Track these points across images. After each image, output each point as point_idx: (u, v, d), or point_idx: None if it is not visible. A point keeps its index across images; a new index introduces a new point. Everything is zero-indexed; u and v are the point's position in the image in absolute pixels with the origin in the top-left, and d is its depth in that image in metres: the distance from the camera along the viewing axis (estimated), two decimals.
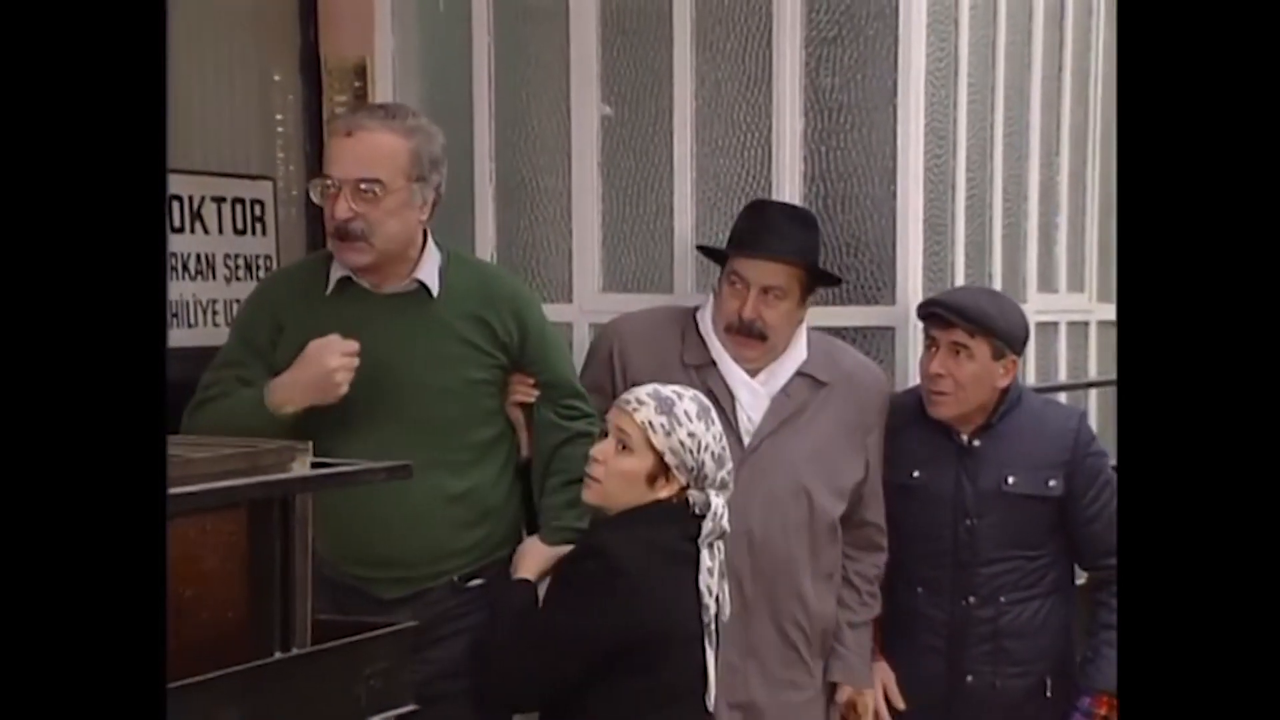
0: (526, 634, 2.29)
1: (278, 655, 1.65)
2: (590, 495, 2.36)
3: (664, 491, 2.33)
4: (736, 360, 2.77)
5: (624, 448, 2.32)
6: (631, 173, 3.42)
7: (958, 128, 3.27)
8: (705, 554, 2.33)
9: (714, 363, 2.78)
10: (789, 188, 3.23)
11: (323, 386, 2.39)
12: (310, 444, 1.78)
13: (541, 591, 2.45)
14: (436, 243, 2.60)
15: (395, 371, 2.50)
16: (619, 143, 3.43)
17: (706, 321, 2.82)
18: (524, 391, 2.61)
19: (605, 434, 2.37)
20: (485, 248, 3.55)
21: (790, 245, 2.75)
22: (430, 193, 2.52)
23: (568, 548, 2.45)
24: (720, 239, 3.24)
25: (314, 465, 1.74)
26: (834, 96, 3.21)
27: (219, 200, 3.46)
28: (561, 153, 3.47)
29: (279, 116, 3.57)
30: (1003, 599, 2.92)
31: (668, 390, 2.36)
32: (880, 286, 3.20)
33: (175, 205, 3.40)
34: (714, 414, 2.38)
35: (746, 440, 2.76)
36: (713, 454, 2.33)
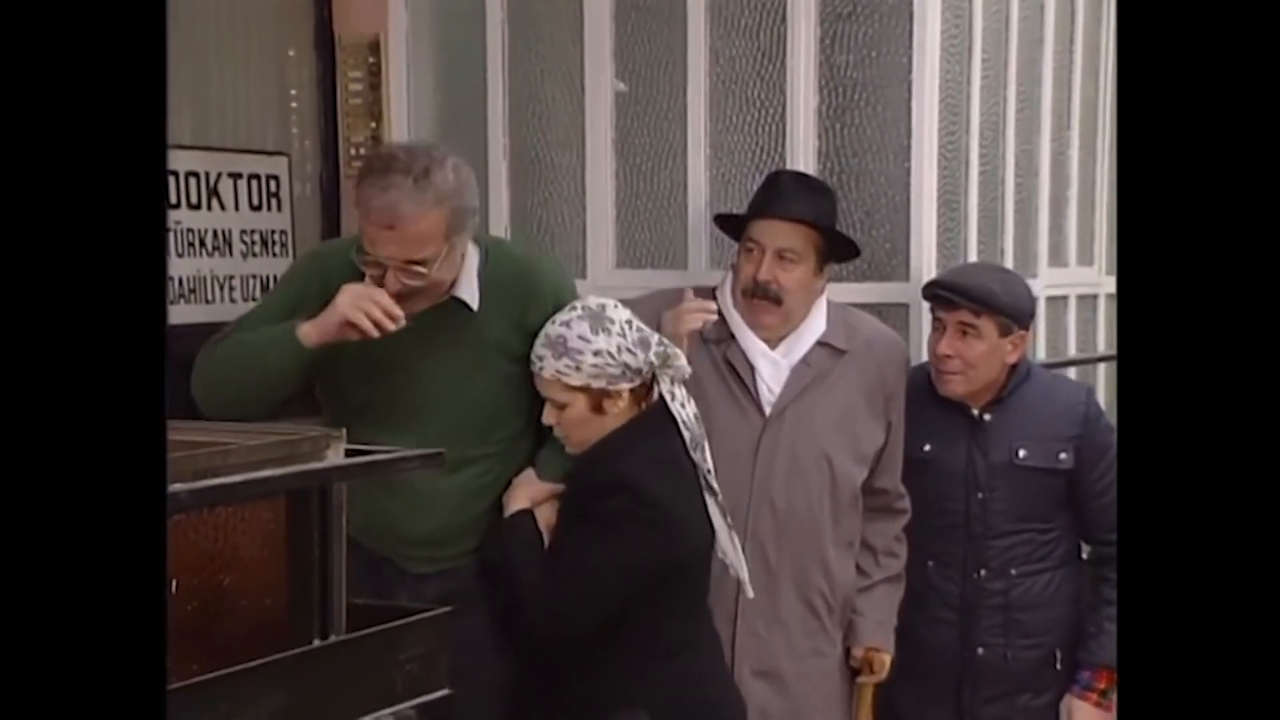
0: (564, 573, 2.29)
1: (316, 642, 1.64)
2: (572, 448, 2.41)
3: (619, 404, 2.35)
4: (754, 329, 2.76)
5: (557, 404, 2.36)
6: (645, 149, 3.39)
7: (971, 104, 3.24)
8: (703, 463, 2.36)
9: (733, 336, 2.77)
10: (803, 164, 3.20)
11: (355, 324, 2.34)
12: (344, 431, 1.76)
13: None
14: (476, 239, 2.56)
15: (430, 382, 2.51)
16: (633, 119, 3.39)
17: (725, 297, 2.80)
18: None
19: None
20: (499, 223, 3.53)
21: (803, 208, 2.73)
22: (470, 230, 2.47)
23: (558, 486, 2.46)
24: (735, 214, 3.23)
25: (348, 453, 1.73)
26: (848, 73, 3.17)
27: (235, 176, 3.43)
28: (575, 129, 3.44)
29: (294, 92, 3.54)
30: (1014, 571, 2.91)
31: (556, 328, 2.36)
32: (894, 262, 3.17)
33: (192, 181, 3.37)
34: (610, 311, 2.35)
35: (767, 410, 2.74)
36: (628, 349, 2.33)
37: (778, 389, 2.75)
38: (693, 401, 2.40)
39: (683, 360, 2.40)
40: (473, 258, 2.53)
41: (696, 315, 2.63)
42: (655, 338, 2.38)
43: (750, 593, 2.43)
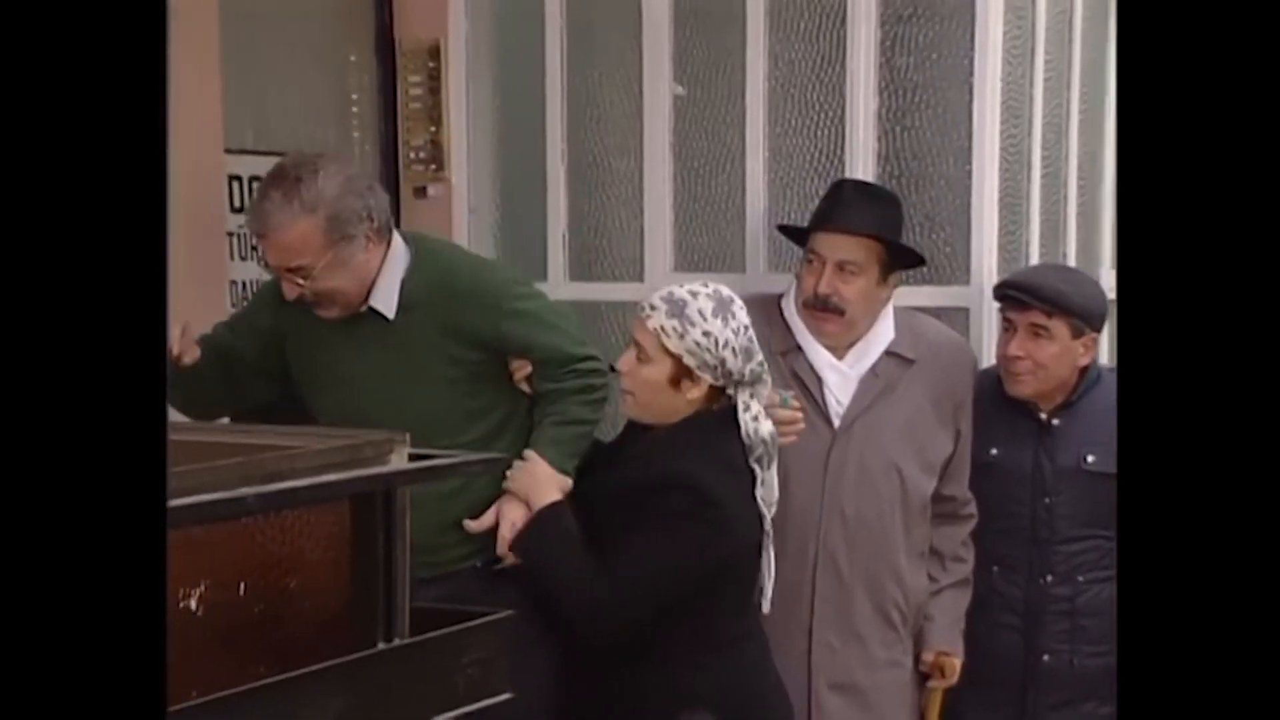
0: (623, 571, 2.26)
1: (381, 646, 1.64)
2: (626, 408, 2.39)
3: (694, 392, 2.32)
4: (818, 338, 2.74)
5: (643, 356, 2.33)
6: (703, 153, 3.38)
7: (1034, 105, 3.20)
8: (756, 469, 2.33)
9: (799, 347, 2.74)
10: (862, 167, 3.18)
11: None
12: (408, 435, 1.77)
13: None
14: (407, 241, 2.55)
15: (368, 386, 2.52)
16: (691, 122, 3.38)
17: (790, 307, 2.78)
18: (521, 377, 2.57)
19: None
20: (556, 228, 3.53)
21: (863, 220, 2.71)
22: (362, 239, 2.46)
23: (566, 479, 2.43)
24: (794, 218, 3.20)
25: (411, 457, 1.74)
26: (909, 75, 3.15)
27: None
28: (633, 133, 3.43)
29: (354, 97, 3.55)
30: (1081, 578, 2.87)
31: (682, 291, 2.34)
32: (955, 266, 3.14)
33: (255, 186, 3.39)
34: (736, 308, 2.34)
35: (836, 422, 2.71)
36: (733, 349, 2.30)
37: (846, 400, 2.73)
38: (768, 421, 2.36)
39: (768, 388, 2.37)
40: (398, 264, 2.52)
41: (788, 431, 2.51)
42: (759, 355, 2.35)
43: (767, 607, 2.39)
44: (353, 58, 3.53)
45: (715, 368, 2.30)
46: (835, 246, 2.70)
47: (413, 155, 3.58)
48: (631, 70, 3.41)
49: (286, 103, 3.34)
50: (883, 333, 2.77)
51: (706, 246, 3.41)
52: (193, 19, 2.99)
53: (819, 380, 2.73)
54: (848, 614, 2.71)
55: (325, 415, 2.59)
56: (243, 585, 1.59)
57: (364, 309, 2.51)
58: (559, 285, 3.54)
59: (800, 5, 3.24)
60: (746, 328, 2.33)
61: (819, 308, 2.69)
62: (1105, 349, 3.45)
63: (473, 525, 2.48)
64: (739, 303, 2.36)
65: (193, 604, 1.54)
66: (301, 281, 2.44)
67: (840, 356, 2.74)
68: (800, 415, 2.52)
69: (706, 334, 2.29)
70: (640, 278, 3.45)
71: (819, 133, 3.25)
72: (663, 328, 2.30)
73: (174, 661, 1.23)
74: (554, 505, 2.39)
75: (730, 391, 2.34)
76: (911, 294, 3.04)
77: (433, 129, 3.57)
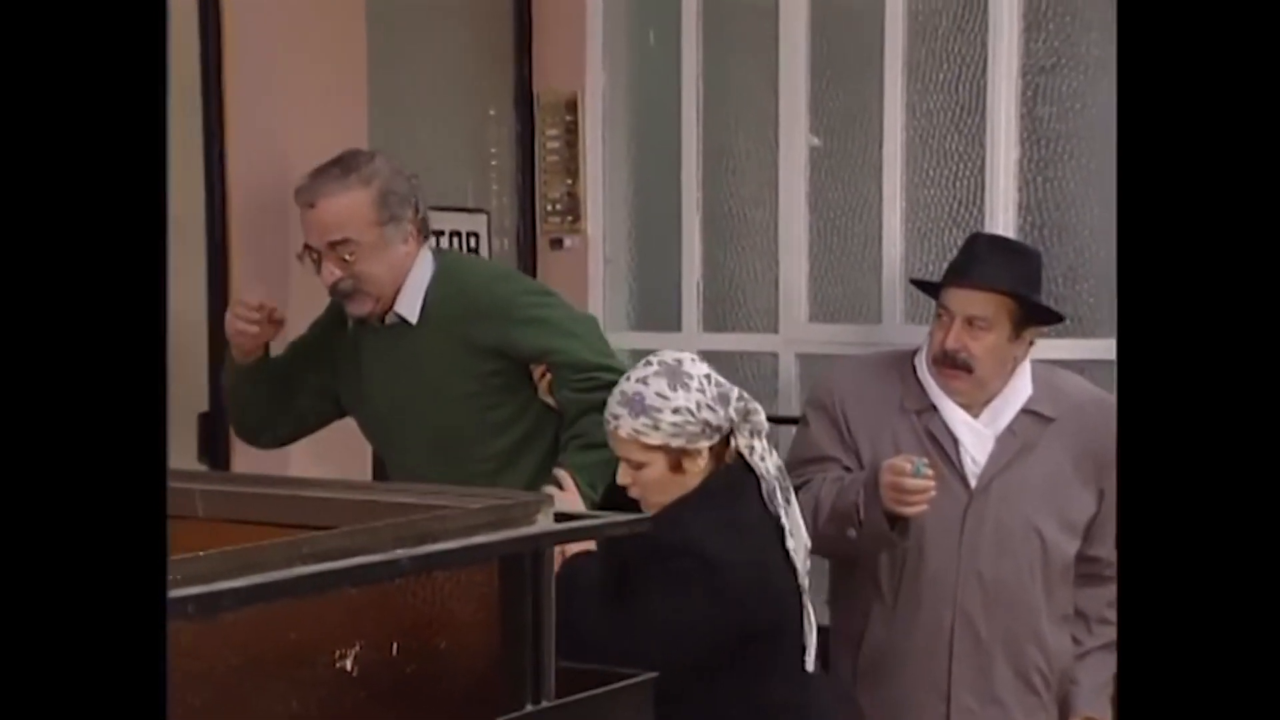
0: (632, 624, 2.19)
1: (529, 708, 1.64)
2: (649, 511, 2.28)
3: (699, 463, 2.24)
4: (951, 396, 2.69)
5: (634, 464, 2.26)
6: (840, 203, 3.37)
7: None
8: (782, 516, 2.25)
9: (934, 406, 2.68)
10: (1003, 217, 3.13)
11: (235, 343, 2.59)
12: (553, 496, 1.77)
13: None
14: (436, 254, 2.58)
15: (396, 398, 2.56)
16: (827, 173, 3.37)
17: (924, 364, 2.74)
18: (545, 387, 2.56)
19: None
20: (691, 278, 3.54)
21: (995, 274, 2.65)
22: (407, 225, 2.51)
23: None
24: (931, 269, 3.17)
25: (558, 517, 1.74)
26: (1051, 125, 3.10)
27: (437, 234, 3.50)
28: (769, 184, 3.43)
29: (493, 150, 3.61)
30: None
31: (632, 384, 2.24)
32: (1099, 318, 3.08)
33: None
34: (688, 366, 2.24)
35: (973, 482, 2.64)
36: (708, 407, 2.21)
37: (983, 459, 2.66)
38: (774, 452, 2.30)
39: (761, 415, 2.28)
40: (424, 272, 2.55)
41: (919, 500, 2.47)
42: (735, 392, 2.26)
43: (811, 665, 2.28)
44: (492, 111, 3.59)
45: (702, 432, 2.22)
46: (965, 301, 2.64)
47: (549, 207, 3.62)
48: (767, 121, 3.42)
49: (428, 156, 3.40)
50: (1020, 389, 2.70)
51: (842, 297, 3.39)
52: (341, 76, 3.07)
53: (954, 440, 2.67)
54: (987, 678, 2.64)
55: (367, 430, 2.68)
56: (395, 646, 1.60)
57: (390, 317, 2.54)
58: (693, 336, 3.55)
59: (939, 56, 3.21)
60: (708, 376, 2.24)
61: (947, 364, 2.64)
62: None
63: None
64: (688, 357, 2.28)
65: (348, 664, 1.55)
66: (349, 256, 2.46)
67: (976, 415, 2.68)
68: (932, 484, 2.46)
69: (676, 410, 2.21)
70: (775, 329, 3.44)
71: (958, 183, 3.22)
72: (635, 430, 2.23)
73: None
74: (584, 555, 2.31)
75: (731, 441, 2.26)
76: (1054, 347, 2.98)
77: (569, 181, 3.60)
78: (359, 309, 2.54)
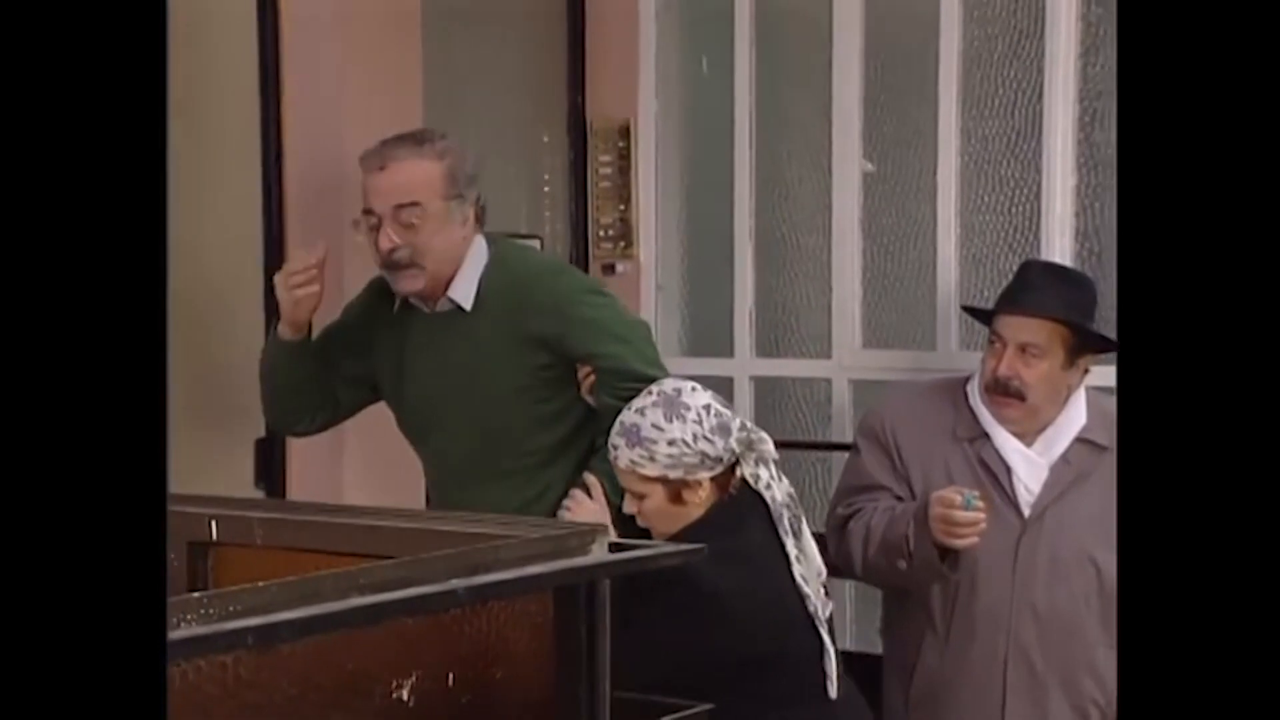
0: (632, 642, 2.07)
1: None
2: (656, 537, 2.27)
3: (700, 494, 2.22)
4: (1002, 423, 2.66)
5: (636, 494, 2.25)
6: (893, 229, 3.35)
7: None
8: (789, 544, 2.21)
9: (987, 434, 2.65)
10: (1059, 244, 3.11)
11: (290, 311, 2.54)
12: (609, 525, 1.78)
13: None
14: (490, 242, 2.57)
15: (443, 387, 2.53)
16: (881, 199, 3.36)
17: (976, 391, 2.72)
18: (588, 387, 2.53)
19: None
20: (744, 304, 3.53)
21: (1048, 302, 2.62)
22: (469, 208, 2.52)
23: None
24: (986, 296, 3.15)
25: (612, 547, 1.74)
26: (1108, 151, 3.07)
27: None
28: (822, 209, 3.43)
29: (546, 177, 3.62)
30: None
31: (631, 415, 2.23)
32: None
33: None
34: (686, 396, 2.21)
35: (1026, 511, 2.61)
36: (705, 438, 2.19)
37: (1036, 489, 2.63)
38: (784, 479, 2.27)
39: (769, 444, 2.25)
40: (479, 259, 2.53)
41: (970, 533, 2.42)
42: (737, 422, 2.23)
43: (834, 692, 2.23)
44: (545, 138, 3.61)
45: (700, 463, 2.20)
46: (1017, 329, 2.62)
47: (602, 233, 3.63)
48: (820, 146, 3.41)
49: (482, 181, 3.39)
50: (1074, 418, 2.67)
51: (896, 323, 3.37)
52: (397, 101, 3.09)
53: (1007, 468, 2.64)
54: (1042, 710, 2.61)
55: (405, 419, 2.63)
56: (451, 676, 1.60)
57: (441, 304, 2.52)
58: (745, 361, 3.54)
59: (994, 80, 3.20)
60: (707, 407, 2.21)
61: (1000, 391, 2.62)
62: None
63: None
64: (688, 387, 2.25)
65: (404, 694, 1.55)
66: (415, 220, 2.43)
67: (1029, 443, 2.65)
68: (983, 516, 2.43)
69: (672, 442, 2.19)
70: (828, 354, 3.43)
71: (1014, 209, 3.20)
72: (633, 461, 2.22)
73: None
74: None
75: (735, 468, 2.24)
76: (1110, 375, 2.94)
77: (622, 207, 3.61)
78: (410, 284, 2.49)
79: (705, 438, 2.20)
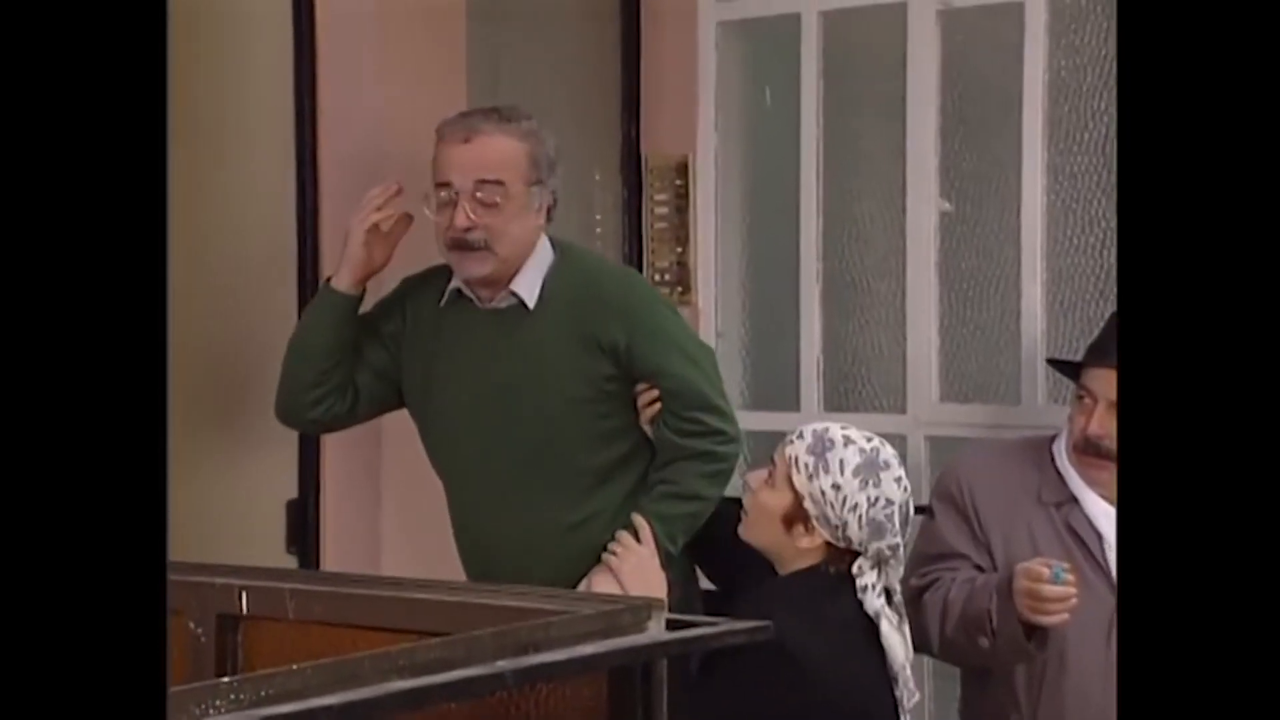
0: (700, 702, 2.17)
1: None
2: (742, 530, 2.32)
3: (805, 542, 2.24)
4: (1093, 487, 2.63)
5: (771, 480, 2.26)
6: (973, 273, 3.34)
7: None
8: (884, 626, 2.23)
9: (1075, 498, 2.62)
10: None
11: (358, 252, 2.52)
12: (665, 600, 1.78)
13: None
14: (554, 243, 2.56)
15: (492, 392, 2.50)
16: (959, 241, 3.35)
17: (1063, 451, 2.69)
18: (649, 416, 2.51)
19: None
20: (811, 354, 3.53)
21: None
22: (548, 196, 2.53)
23: None
24: (1074, 347, 3.12)
25: (669, 624, 1.74)
26: None
27: None
28: (895, 252, 3.42)
29: (598, 216, 3.65)
30: None
31: (838, 431, 2.27)
32: None
33: None
34: (889, 474, 2.24)
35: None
36: (861, 517, 2.21)
37: None
38: (879, 599, 2.27)
39: (897, 571, 2.29)
40: (543, 257, 2.53)
41: (1059, 609, 2.40)
42: (895, 537, 2.25)
43: None
44: (597, 175, 3.63)
45: (836, 527, 2.23)
46: (1109, 383, 2.59)
47: (658, 277, 3.64)
48: (894, 184, 3.41)
49: None
50: None
51: (976, 375, 3.35)
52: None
53: (1098, 536, 2.60)
54: None
55: (434, 425, 2.58)
56: None
57: (500, 298, 2.51)
58: (813, 416, 3.52)
59: (1083, 113, 3.19)
60: (890, 502, 2.24)
61: (1090, 452, 2.59)
62: None
63: None
64: (896, 470, 2.27)
65: None
66: (499, 199, 2.44)
67: None
68: (1073, 591, 2.41)
69: (836, 488, 2.22)
70: (903, 409, 3.42)
71: (1105, 250, 3.18)
72: (797, 459, 2.25)
73: None
74: None
75: (854, 558, 2.26)
76: None
77: (679, 249, 3.63)
78: (478, 267, 2.47)
79: (861, 517, 2.23)
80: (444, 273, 2.60)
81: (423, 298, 2.60)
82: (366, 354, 2.60)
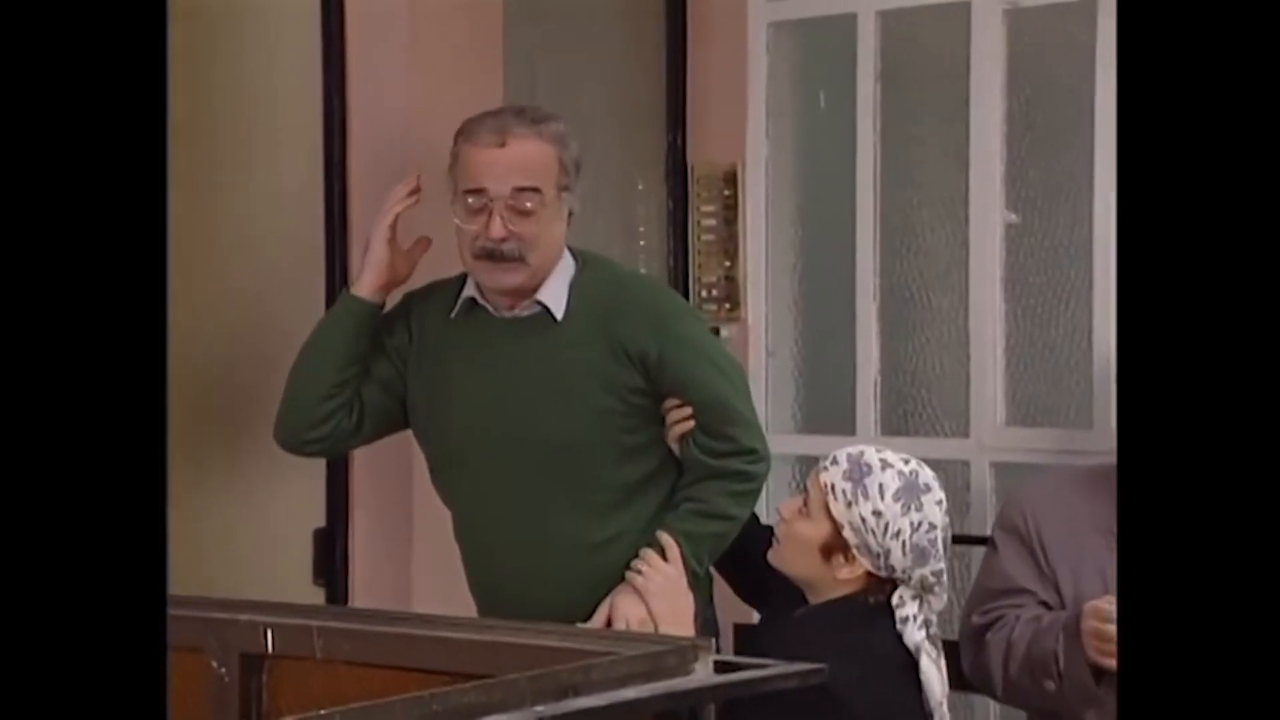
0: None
1: None
2: (772, 557, 2.34)
3: (844, 572, 2.27)
4: None
5: (805, 509, 2.28)
6: (1041, 289, 3.34)
7: None
8: (923, 660, 2.26)
9: None
10: None
11: (381, 254, 2.56)
12: (712, 641, 1.79)
13: None
14: (573, 252, 2.59)
15: (513, 403, 2.52)
16: (1026, 254, 3.35)
17: None
18: (678, 432, 2.53)
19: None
20: (867, 374, 3.52)
21: None
22: (575, 202, 2.56)
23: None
24: None
25: (718, 666, 1.75)
26: None
27: None
28: (957, 266, 3.42)
29: (641, 229, 3.66)
30: None
31: (874, 455, 2.29)
32: None
33: None
34: (930, 497, 2.27)
35: None
36: (905, 544, 2.24)
37: None
38: (920, 631, 2.29)
39: (938, 600, 2.31)
40: (566, 266, 2.55)
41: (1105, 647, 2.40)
42: (939, 563, 2.27)
43: None
44: (640, 185, 3.64)
45: (878, 556, 2.26)
46: None
47: (705, 293, 3.65)
48: (956, 194, 3.41)
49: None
50: None
51: (1045, 397, 3.35)
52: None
53: None
54: None
55: (444, 439, 2.59)
56: None
57: (523, 308, 2.53)
58: (869, 440, 3.52)
59: None
60: (933, 526, 2.27)
61: None
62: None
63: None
64: (937, 492, 2.30)
65: None
66: (534, 206, 2.46)
67: None
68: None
69: (877, 514, 2.25)
70: (965, 433, 3.41)
71: None
72: (833, 486, 2.28)
73: None
74: None
75: (894, 589, 2.29)
76: None
77: (727, 263, 3.64)
78: (511, 278, 2.49)
79: (905, 544, 2.26)
80: (449, 285, 2.64)
81: (429, 310, 2.63)
82: (372, 368, 2.63)
